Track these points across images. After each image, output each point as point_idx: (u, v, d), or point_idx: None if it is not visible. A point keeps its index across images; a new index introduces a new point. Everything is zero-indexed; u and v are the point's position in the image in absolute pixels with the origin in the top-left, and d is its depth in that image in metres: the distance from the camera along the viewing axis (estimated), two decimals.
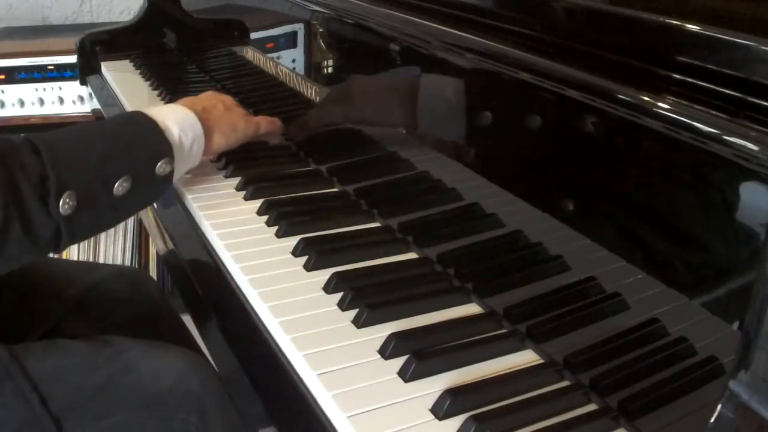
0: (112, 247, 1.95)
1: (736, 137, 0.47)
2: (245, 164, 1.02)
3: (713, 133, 0.48)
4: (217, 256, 0.83)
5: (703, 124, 0.49)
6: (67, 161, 0.73)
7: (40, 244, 0.72)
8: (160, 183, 0.82)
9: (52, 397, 0.75)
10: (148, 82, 1.48)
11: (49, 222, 0.71)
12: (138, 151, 0.80)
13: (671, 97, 0.51)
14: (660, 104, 0.52)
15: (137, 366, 0.80)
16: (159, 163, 0.81)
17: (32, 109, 1.84)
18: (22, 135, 0.76)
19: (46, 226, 0.71)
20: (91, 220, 0.77)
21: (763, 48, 0.47)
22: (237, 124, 0.96)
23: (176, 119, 0.86)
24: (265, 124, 1.01)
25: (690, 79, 0.52)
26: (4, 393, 0.73)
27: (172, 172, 0.83)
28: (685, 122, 0.50)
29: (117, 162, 0.77)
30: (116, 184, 0.76)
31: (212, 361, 0.82)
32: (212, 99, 0.97)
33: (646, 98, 0.53)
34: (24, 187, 0.69)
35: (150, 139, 0.82)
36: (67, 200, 0.71)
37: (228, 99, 0.98)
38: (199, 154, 0.90)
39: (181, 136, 0.85)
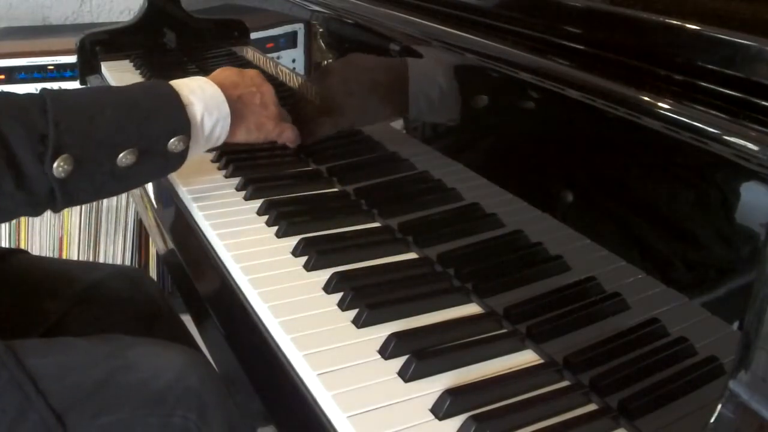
0: (112, 247, 1.96)
1: (736, 137, 0.47)
2: (245, 164, 1.02)
3: (713, 133, 0.48)
4: (217, 256, 0.83)
5: (703, 124, 0.49)
6: (72, 123, 0.72)
7: (35, 201, 0.72)
8: (171, 159, 0.80)
9: (51, 394, 0.75)
10: None
11: (43, 180, 0.70)
12: (152, 124, 0.77)
13: (671, 97, 0.51)
14: (660, 104, 0.52)
15: (137, 363, 0.80)
16: (172, 140, 0.78)
17: None
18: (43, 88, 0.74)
19: (40, 184, 0.71)
20: (92, 186, 0.75)
21: (763, 48, 0.47)
22: (265, 124, 0.93)
23: (203, 96, 0.83)
24: (289, 133, 0.98)
25: (690, 79, 0.52)
26: (0, 382, 0.73)
27: (186, 150, 0.81)
28: (685, 122, 0.50)
29: (127, 131, 0.75)
30: (121, 155, 0.74)
31: (212, 361, 0.82)
32: (253, 86, 0.92)
33: (646, 98, 0.53)
34: (20, 143, 0.68)
35: (168, 112, 0.79)
36: (62, 164, 0.70)
37: (268, 92, 0.94)
38: (221, 138, 0.87)
39: (204, 115, 0.82)
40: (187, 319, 0.97)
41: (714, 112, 0.48)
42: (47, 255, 1.91)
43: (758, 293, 0.44)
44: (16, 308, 0.97)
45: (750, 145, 0.46)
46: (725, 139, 0.47)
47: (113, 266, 1.13)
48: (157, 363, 0.81)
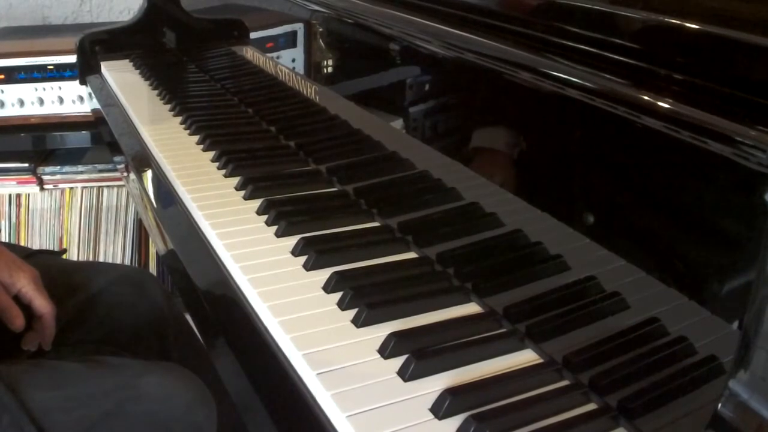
0: (112, 247, 1.95)
1: (737, 137, 0.47)
2: (245, 163, 1.02)
3: (714, 133, 0.48)
4: (217, 255, 0.83)
5: (703, 124, 0.49)
6: None
7: None
8: None
9: (55, 427, 0.74)
10: (148, 82, 1.48)
11: None
12: None
13: (671, 97, 0.51)
14: (660, 104, 0.52)
15: (147, 393, 0.80)
16: None
17: (32, 109, 1.84)
18: None
19: None
20: None
21: (764, 48, 0.47)
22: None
23: None
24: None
25: (690, 79, 0.52)
26: (2, 425, 0.73)
27: None
28: (685, 122, 0.50)
29: None
30: None
31: (214, 361, 0.82)
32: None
33: (646, 98, 0.53)
34: None
35: None
36: None
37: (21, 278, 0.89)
38: None
39: None
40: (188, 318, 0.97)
41: (714, 112, 0.48)
42: None
43: (758, 293, 0.44)
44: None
45: (750, 145, 0.46)
46: (725, 139, 0.47)
47: (115, 270, 1.11)
48: (167, 394, 0.80)
